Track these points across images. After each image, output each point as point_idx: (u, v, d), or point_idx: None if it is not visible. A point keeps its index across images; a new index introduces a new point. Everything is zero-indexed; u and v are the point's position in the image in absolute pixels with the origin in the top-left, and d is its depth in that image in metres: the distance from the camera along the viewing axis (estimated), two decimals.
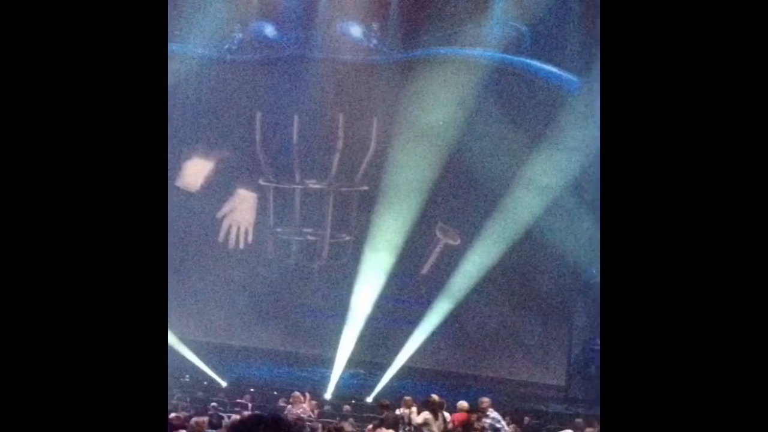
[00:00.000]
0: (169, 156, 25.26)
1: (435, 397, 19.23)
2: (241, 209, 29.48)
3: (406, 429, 18.87)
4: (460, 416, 18.86)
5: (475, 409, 18.61)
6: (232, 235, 29.58)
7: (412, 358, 26.39)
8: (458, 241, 27.40)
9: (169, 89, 24.16)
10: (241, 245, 29.57)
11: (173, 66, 27.62)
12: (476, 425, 18.13)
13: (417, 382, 25.23)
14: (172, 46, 27.59)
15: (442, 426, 18.64)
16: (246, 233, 29.57)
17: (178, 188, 28.88)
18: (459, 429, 18.59)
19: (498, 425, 18.17)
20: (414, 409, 18.94)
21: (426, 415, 18.62)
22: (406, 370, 26.27)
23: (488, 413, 18.30)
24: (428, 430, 18.54)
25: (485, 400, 18.66)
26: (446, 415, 18.89)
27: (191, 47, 28.11)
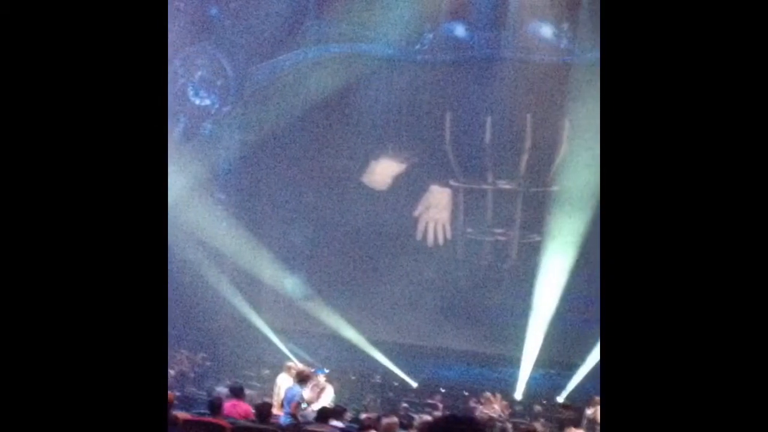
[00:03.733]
0: (358, 155, 25.30)
1: None
2: (437, 207, 29.49)
3: (591, 427, 18.70)
4: None
5: None
6: (430, 233, 29.62)
7: None
8: None
9: (359, 89, 24.25)
10: (440, 242, 29.56)
11: (363, 67, 28.06)
12: None
13: None
14: (362, 47, 27.85)
15: None
16: (444, 230, 29.57)
17: (366, 186, 29.14)
18: None
19: None
20: (598, 408, 18.75)
21: None
22: (599, 370, 25.91)
23: None
24: None
25: None
26: None
27: (381, 47, 28.28)
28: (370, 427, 14.28)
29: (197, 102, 29.62)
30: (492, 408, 21.06)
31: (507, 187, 28.73)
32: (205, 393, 22.14)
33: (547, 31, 27.63)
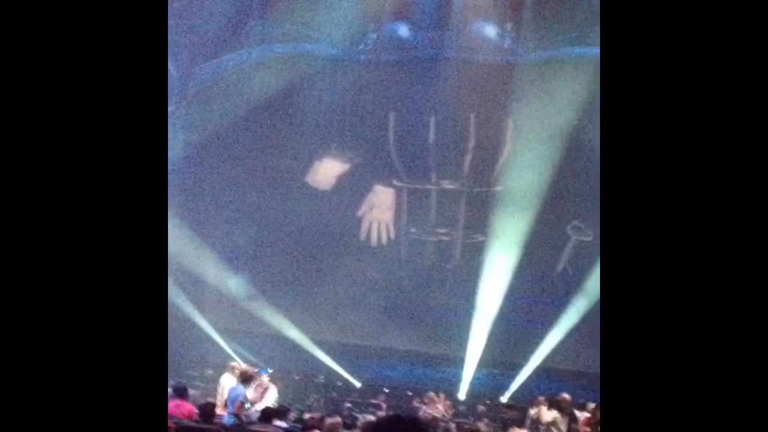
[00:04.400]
0: (302, 155, 25.27)
1: (566, 395, 19.07)
2: (380, 207, 29.49)
3: (534, 427, 18.79)
4: (587, 416, 18.70)
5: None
6: (373, 233, 29.62)
7: (548, 358, 26.21)
8: (590, 237, 27.14)
9: (303, 89, 24.23)
10: (384, 242, 29.57)
11: (306, 67, 28.02)
12: None
13: (553, 381, 25.00)
14: (306, 47, 27.80)
15: (570, 426, 18.50)
16: (387, 230, 29.58)
17: (310, 185, 29.13)
18: (587, 429, 18.41)
19: None
20: (543, 408, 18.84)
21: (554, 413, 18.51)
22: (542, 370, 26.09)
23: None
24: (556, 429, 18.42)
25: None
26: (576, 414, 18.75)
27: (324, 47, 28.24)
28: (313, 427, 14.28)
29: None
30: (435, 408, 21.08)
31: (450, 187, 28.79)
32: None
33: (490, 30, 27.72)
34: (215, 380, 20.33)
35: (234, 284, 28.60)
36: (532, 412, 19.23)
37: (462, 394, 25.81)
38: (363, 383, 27.20)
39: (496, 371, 27.18)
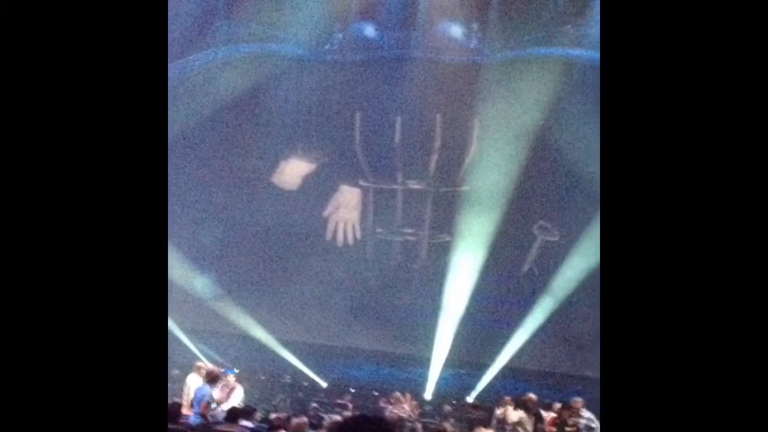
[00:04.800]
0: (268, 155, 25.23)
1: (532, 396, 19.12)
2: (346, 207, 29.49)
3: (500, 427, 18.83)
4: (553, 416, 18.75)
5: (568, 409, 18.42)
6: (339, 233, 29.61)
7: (514, 358, 26.26)
8: (556, 237, 27.24)
9: (269, 90, 24.19)
10: (350, 242, 29.57)
11: (272, 67, 27.97)
12: (570, 425, 17.98)
13: (519, 381, 25.06)
14: (272, 47, 27.75)
15: (536, 425, 18.55)
16: (353, 230, 29.58)
17: (276, 186, 29.08)
18: (553, 429, 18.46)
19: (593, 425, 17.96)
20: (509, 408, 18.88)
21: (520, 413, 18.55)
22: (508, 370, 26.14)
23: (582, 413, 18.11)
24: (522, 428, 18.46)
25: (578, 400, 18.45)
26: (542, 414, 18.80)
27: (291, 48, 28.22)
28: (279, 427, 14.27)
29: None
30: (402, 408, 21.10)
31: (417, 187, 28.83)
32: None
33: (456, 31, 27.79)
34: (181, 380, 20.25)
35: (200, 284, 28.51)
36: (498, 412, 19.27)
37: (428, 394, 25.86)
38: (329, 383, 27.20)
39: (463, 371, 27.22)
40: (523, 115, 25.67)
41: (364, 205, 29.39)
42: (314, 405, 22.89)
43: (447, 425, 18.79)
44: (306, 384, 27.22)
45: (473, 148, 27.72)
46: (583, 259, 25.47)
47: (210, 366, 19.87)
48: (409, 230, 29.24)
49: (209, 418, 16.57)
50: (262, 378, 26.88)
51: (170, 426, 14.59)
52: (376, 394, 24.76)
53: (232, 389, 18.84)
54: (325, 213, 29.46)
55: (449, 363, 26.64)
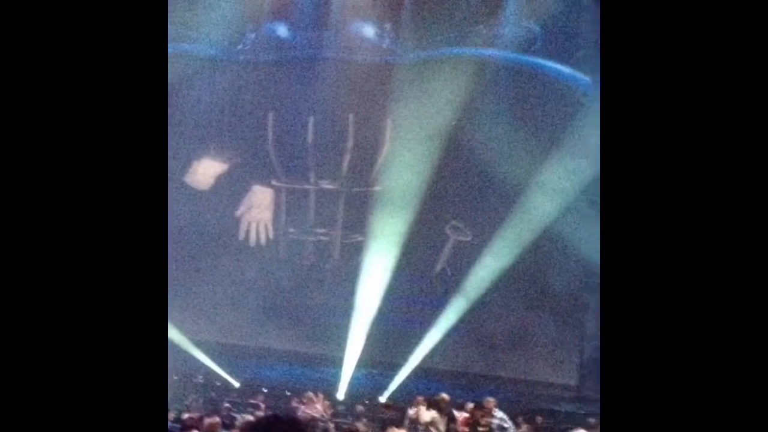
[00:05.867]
0: (180, 155, 25.03)
1: (444, 396, 19.15)
2: (259, 207, 29.43)
3: (413, 428, 18.84)
4: (465, 416, 18.80)
5: (481, 409, 18.47)
6: (252, 233, 29.55)
7: (426, 358, 26.34)
8: (469, 237, 27.40)
9: (182, 90, 24.02)
10: (262, 242, 29.51)
11: (185, 67, 27.78)
12: (483, 425, 18.04)
13: (432, 381, 25.12)
14: (184, 47, 27.57)
15: (449, 425, 18.59)
16: (266, 230, 29.53)
17: (188, 186, 28.92)
18: (465, 429, 18.51)
19: (505, 425, 18.04)
20: (422, 408, 18.90)
21: (433, 413, 18.57)
22: (421, 370, 26.21)
23: (494, 413, 18.19)
24: (435, 429, 18.49)
25: (490, 400, 18.50)
26: (455, 414, 18.85)
27: (203, 47, 28.10)
28: (192, 427, 14.18)
29: None
30: (314, 408, 21.06)
31: (329, 187, 28.86)
32: None
33: (369, 31, 27.87)
34: None
35: None
36: (411, 412, 19.29)
37: (341, 394, 25.84)
38: (242, 383, 27.09)
39: (375, 371, 27.24)
40: (435, 115, 25.77)
41: (277, 205, 29.36)
42: (227, 405, 22.75)
43: (360, 425, 18.76)
44: (219, 384, 27.07)
45: (386, 148, 27.82)
46: (495, 259, 25.64)
47: None
48: (322, 230, 29.27)
49: None
50: (175, 378, 26.65)
51: None
52: (289, 394, 24.68)
53: None
54: (238, 213, 29.39)
55: (362, 363, 26.65)
